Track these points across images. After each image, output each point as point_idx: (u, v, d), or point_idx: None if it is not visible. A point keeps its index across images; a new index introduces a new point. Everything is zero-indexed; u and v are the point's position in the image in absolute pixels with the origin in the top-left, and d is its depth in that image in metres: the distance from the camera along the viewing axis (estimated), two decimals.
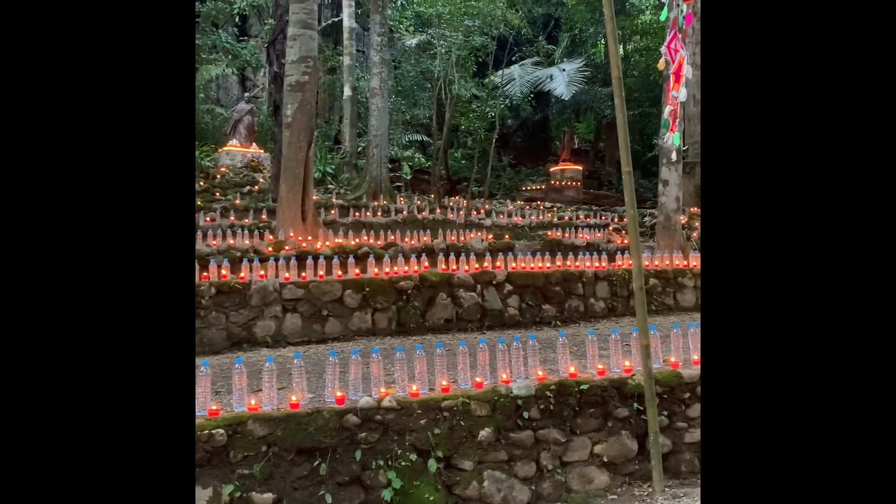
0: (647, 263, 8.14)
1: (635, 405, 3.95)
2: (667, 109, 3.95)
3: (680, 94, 3.76)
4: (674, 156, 8.64)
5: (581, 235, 10.75)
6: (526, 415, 3.75)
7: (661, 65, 4.12)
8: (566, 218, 12.93)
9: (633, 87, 19.41)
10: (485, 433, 3.63)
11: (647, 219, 13.06)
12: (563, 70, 18.09)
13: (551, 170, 18.33)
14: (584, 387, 3.89)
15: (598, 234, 11.13)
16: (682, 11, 3.89)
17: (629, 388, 3.97)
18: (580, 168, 18.50)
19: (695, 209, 13.57)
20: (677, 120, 4.00)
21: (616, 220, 13.10)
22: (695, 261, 8.50)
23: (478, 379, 3.82)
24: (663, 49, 4.05)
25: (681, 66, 3.81)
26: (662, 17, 3.95)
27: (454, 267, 6.79)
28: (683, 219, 12.19)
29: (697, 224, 12.27)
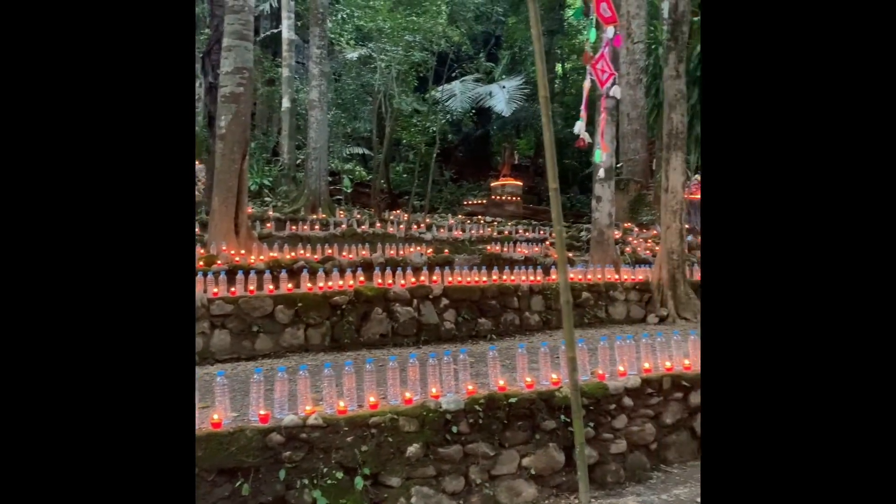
0: (580, 277, 8.32)
1: (563, 417, 4.00)
2: (579, 125, 4.07)
3: (576, 126, 3.91)
4: (601, 172, 8.85)
5: (519, 249, 10.87)
6: (455, 429, 3.75)
7: (586, 85, 4.24)
8: (506, 232, 13.06)
9: (571, 105, 19.88)
10: (413, 449, 3.61)
11: (583, 234, 13.35)
12: (504, 87, 18.37)
13: (492, 185, 18.52)
14: (512, 400, 3.92)
15: (536, 249, 11.28)
16: (604, 36, 4.02)
17: (556, 401, 4.03)
18: (520, 183, 18.75)
19: (628, 224, 13.94)
20: (604, 139, 4.11)
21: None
22: (626, 274, 8.72)
23: (407, 394, 3.81)
24: (589, 68, 4.17)
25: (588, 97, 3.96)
26: (592, 38, 4.07)
27: (390, 281, 6.76)
28: (617, 233, 12.51)
29: (630, 238, 12.61)
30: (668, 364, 4.63)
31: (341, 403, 3.62)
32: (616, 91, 4.43)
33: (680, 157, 8.89)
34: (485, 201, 18.09)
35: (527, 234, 13.08)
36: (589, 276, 8.41)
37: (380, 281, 6.74)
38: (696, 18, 14.62)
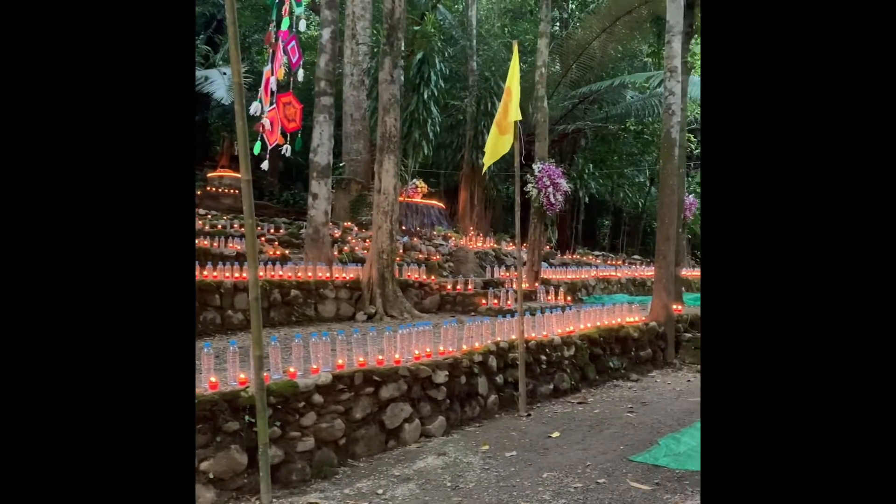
0: (290, 274, 8.20)
1: (248, 417, 3.84)
2: (255, 105, 3.99)
3: (252, 107, 3.85)
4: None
5: (232, 245, 10.37)
6: None
7: (267, 70, 4.16)
8: (219, 226, 12.37)
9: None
10: None
11: (303, 231, 13.23)
12: (225, 74, 17.42)
13: (209, 175, 17.46)
14: None
15: None
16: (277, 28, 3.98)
17: (242, 401, 3.85)
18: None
19: (349, 223, 14.17)
20: (275, 130, 4.07)
21: (272, 230, 12.99)
22: (339, 272, 8.82)
23: None
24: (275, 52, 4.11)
25: (268, 81, 3.91)
26: (284, 26, 3.98)
27: None
28: (337, 232, 12.65)
29: (350, 238, 12.83)
30: (361, 359, 4.73)
31: None
32: (300, 74, 4.38)
33: (393, 160, 9.25)
34: (199, 193, 16.97)
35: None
36: (300, 274, 8.33)
37: None
38: (416, 27, 15.45)
